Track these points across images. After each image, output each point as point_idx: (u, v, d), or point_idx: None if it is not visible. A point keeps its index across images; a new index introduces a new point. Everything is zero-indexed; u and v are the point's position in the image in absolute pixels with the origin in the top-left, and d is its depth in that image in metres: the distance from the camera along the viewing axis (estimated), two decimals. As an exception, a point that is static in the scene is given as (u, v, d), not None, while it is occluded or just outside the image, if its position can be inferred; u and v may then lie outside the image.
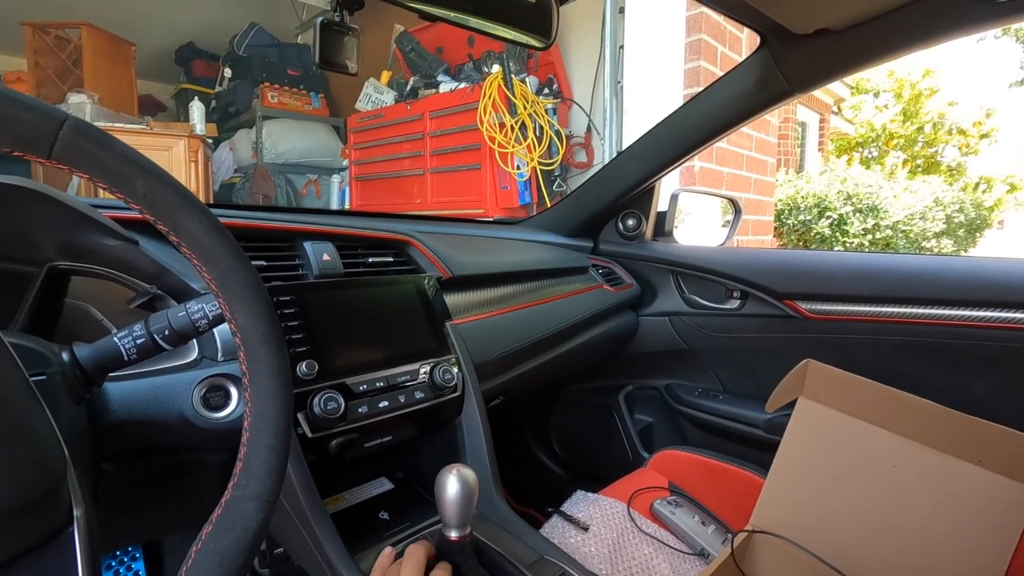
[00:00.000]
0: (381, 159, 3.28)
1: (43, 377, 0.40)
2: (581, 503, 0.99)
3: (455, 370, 0.75)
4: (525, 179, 2.57)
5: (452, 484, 0.58)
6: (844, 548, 0.81)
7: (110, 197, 0.37)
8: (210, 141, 3.49)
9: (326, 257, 0.74)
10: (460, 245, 0.99)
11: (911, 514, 0.80)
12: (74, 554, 0.32)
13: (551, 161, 2.62)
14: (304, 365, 0.61)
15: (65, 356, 0.44)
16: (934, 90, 10.12)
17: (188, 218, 0.38)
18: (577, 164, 2.78)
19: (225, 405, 0.57)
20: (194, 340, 0.60)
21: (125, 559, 0.89)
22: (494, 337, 0.89)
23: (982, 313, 0.95)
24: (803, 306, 1.12)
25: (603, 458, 1.43)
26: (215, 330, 0.60)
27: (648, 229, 1.37)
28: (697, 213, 1.73)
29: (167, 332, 0.45)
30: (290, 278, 0.70)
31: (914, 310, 1.01)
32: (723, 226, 1.99)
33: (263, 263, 0.69)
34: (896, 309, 1.02)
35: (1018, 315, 0.92)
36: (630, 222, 1.36)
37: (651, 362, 1.37)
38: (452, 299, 0.88)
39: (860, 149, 9.94)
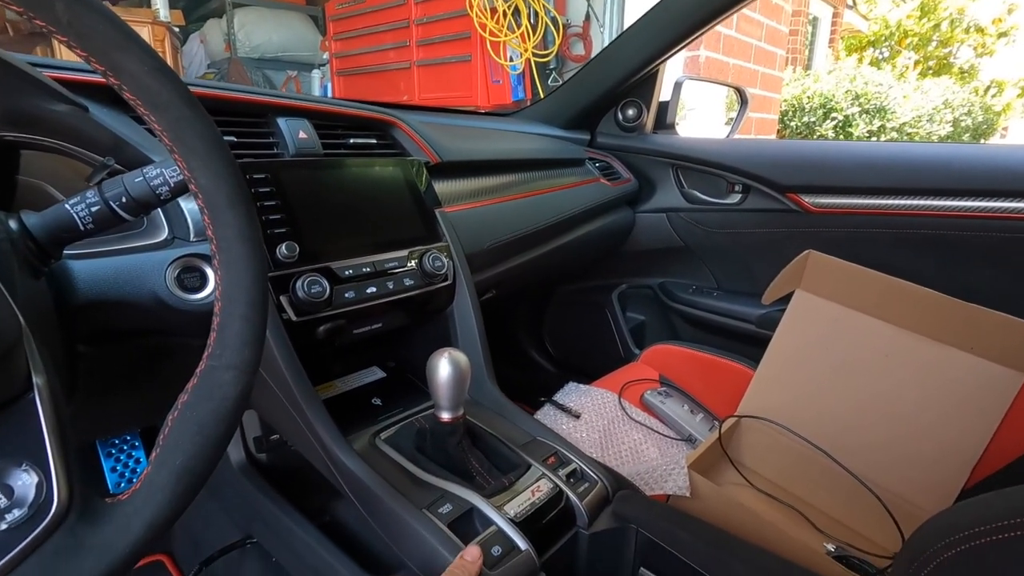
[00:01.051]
0: (364, 51, 3.05)
1: None
2: (572, 393, 1.00)
3: (445, 258, 0.72)
4: (518, 72, 2.41)
5: (444, 366, 0.57)
6: (830, 434, 0.83)
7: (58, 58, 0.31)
8: (177, 31, 3.21)
9: (302, 135, 0.68)
10: (449, 131, 0.93)
11: (899, 402, 0.81)
12: (37, 419, 0.30)
13: (546, 52, 2.45)
14: (284, 247, 0.58)
15: (13, 224, 0.39)
16: (957, -19, 9.45)
17: (126, 56, 0.32)
18: (574, 57, 2.60)
19: (202, 287, 0.54)
20: (163, 219, 0.56)
21: (125, 447, 0.91)
22: (486, 227, 0.85)
23: (988, 203, 0.92)
24: (806, 199, 1.08)
25: (594, 355, 1.45)
26: (185, 209, 0.56)
27: (649, 120, 1.30)
28: (699, 109, 1.64)
29: (124, 199, 0.41)
30: (264, 156, 0.65)
31: (919, 201, 0.97)
32: (726, 123, 1.89)
33: (233, 139, 0.63)
34: (901, 201, 0.99)
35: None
36: (630, 112, 1.28)
37: (646, 260, 1.35)
38: (441, 187, 0.83)
39: (871, 48, 9.43)
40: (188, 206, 0.56)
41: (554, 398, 0.98)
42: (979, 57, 9.86)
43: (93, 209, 0.41)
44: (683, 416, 0.98)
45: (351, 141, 0.75)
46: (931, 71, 9.24)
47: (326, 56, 3.52)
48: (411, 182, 0.74)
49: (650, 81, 1.25)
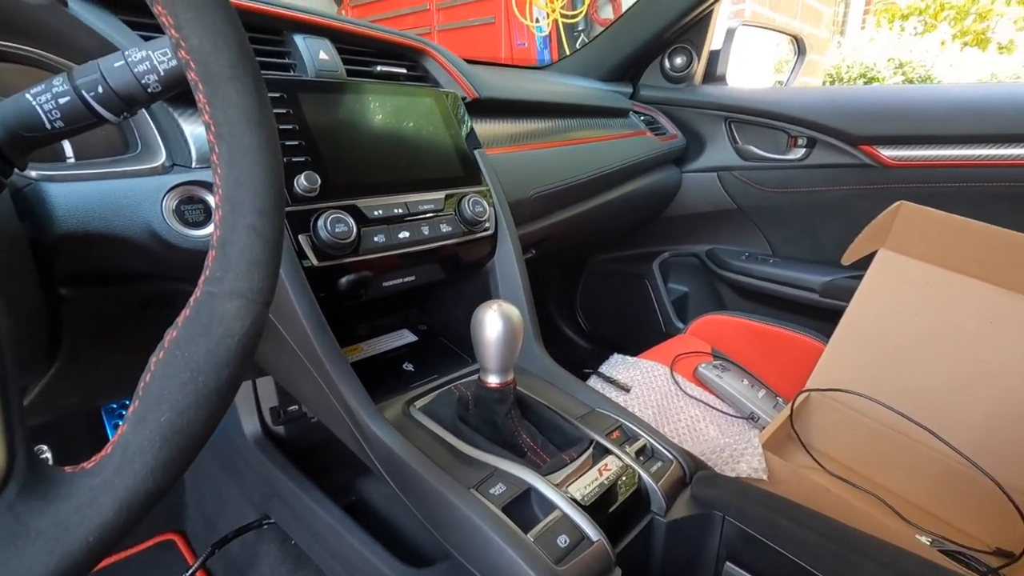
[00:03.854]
0: (383, 16, 2.93)
1: None
2: (619, 366, 0.91)
3: (487, 204, 0.63)
4: (545, 34, 2.28)
5: (493, 321, 0.47)
6: (920, 413, 0.72)
7: None
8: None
9: (323, 56, 0.58)
10: (486, 69, 0.83)
11: (1007, 375, 0.70)
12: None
13: (574, 13, 2.31)
14: (304, 178, 0.48)
15: (-42, 118, 0.31)
16: (999, -49, 8.98)
17: None
18: (602, 21, 2.46)
19: (206, 222, 0.45)
20: (159, 141, 0.47)
21: (132, 418, 0.83)
22: (530, 174, 0.75)
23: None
24: (883, 152, 0.96)
25: (632, 330, 1.35)
26: (188, 132, 0.47)
27: (699, 70, 1.18)
28: (746, 62, 1.50)
29: (100, 89, 0.32)
30: (278, 75, 0.55)
31: (1017, 151, 0.85)
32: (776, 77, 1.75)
33: (243, 55, 0.54)
34: (997, 150, 0.87)
35: None
36: (678, 60, 1.16)
37: (692, 225, 1.24)
38: (479, 127, 0.73)
39: (904, 20, 9.03)
40: (191, 129, 0.47)
41: (600, 370, 0.89)
42: (1019, 31, 9.39)
43: (61, 101, 0.31)
44: (743, 392, 0.88)
45: (378, 69, 0.65)
46: (967, 45, 8.83)
47: (343, 26, 3.41)
48: (447, 116, 0.65)
49: (701, 25, 1.13)
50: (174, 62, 0.32)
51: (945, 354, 0.74)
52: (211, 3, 0.26)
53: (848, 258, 0.81)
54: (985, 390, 0.71)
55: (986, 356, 0.71)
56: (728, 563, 0.47)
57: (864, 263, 0.84)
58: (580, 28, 2.36)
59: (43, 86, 0.32)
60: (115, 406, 0.79)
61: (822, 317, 1.01)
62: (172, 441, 0.24)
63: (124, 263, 0.44)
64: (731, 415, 0.85)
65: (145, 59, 0.32)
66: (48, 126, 0.32)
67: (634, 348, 0.99)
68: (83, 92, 0.31)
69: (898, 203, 0.75)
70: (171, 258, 0.44)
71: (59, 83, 0.32)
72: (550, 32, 2.29)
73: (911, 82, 3.65)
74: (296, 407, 0.76)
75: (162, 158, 0.46)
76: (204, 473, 0.89)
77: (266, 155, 0.27)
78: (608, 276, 1.40)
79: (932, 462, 0.74)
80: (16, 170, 0.33)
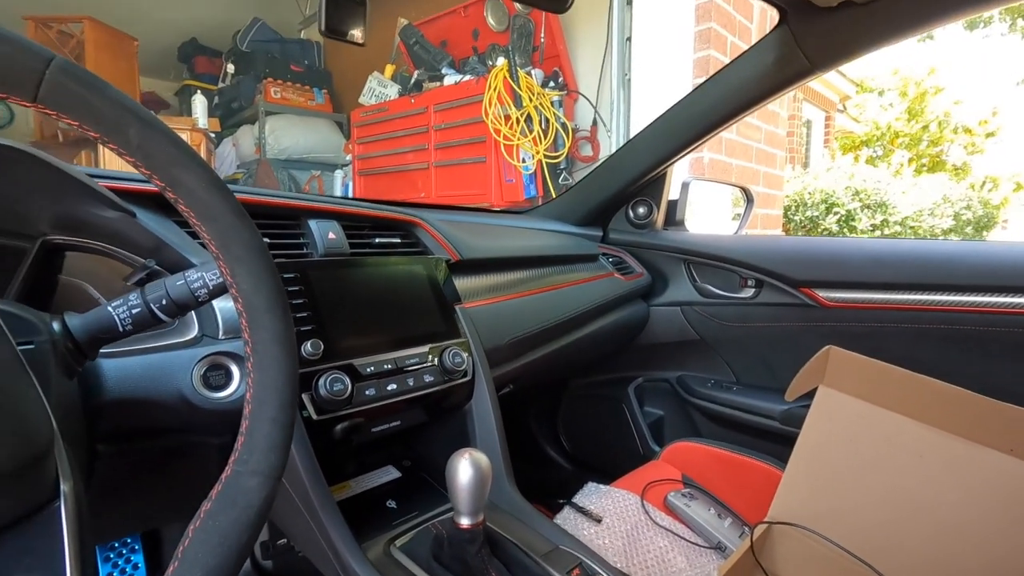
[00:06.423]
0: (384, 153, 3.25)
1: (31, 346, 0.38)
2: (593, 495, 0.96)
3: (465, 354, 0.73)
4: (530, 172, 2.54)
5: (465, 469, 0.55)
6: (866, 539, 0.78)
7: (104, 167, 0.34)
8: (213, 136, 3.47)
9: (332, 236, 0.71)
10: (468, 229, 0.97)
11: (937, 504, 0.77)
12: (60, 529, 0.30)
13: (557, 154, 2.59)
14: (309, 344, 0.58)
15: (56, 326, 0.41)
16: (939, 88, 10.06)
17: (185, 172, 0.35)
18: (583, 158, 2.75)
19: (226, 385, 0.54)
20: (194, 317, 0.57)
21: (124, 551, 0.86)
22: (505, 322, 0.86)
23: (1006, 299, 0.92)
24: (821, 294, 1.09)
25: (612, 452, 1.40)
26: (216, 307, 0.58)
27: (659, 218, 1.34)
28: (704, 205, 1.70)
29: (164, 302, 0.42)
30: (294, 256, 0.67)
31: (936, 297, 0.98)
32: (733, 219, 1.95)
33: (267, 240, 0.66)
34: (917, 296, 0.99)
35: (1046, 301, 0.89)
36: (640, 210, 1.33)
37: (662, 353, 1.34)
38: (461, 283, 0.85)
39: (865, 148, 9.88)
40: (219, 304, 0.58)
41: (574, 500, 0.94)
42: (970, 155, 10.27)
43: (134, 311, 0.42)
44: (710, 521, 0.92)
45: (377, 240, 0.78)
46: (925, 168, 9.59)
47: (348, 157, 3.75)
48: (432, 279, 0.76)
49: (659, 182, 1.31)
50: (220, 279, 0.43)
51: (882, 485, 0.81)
52: (257, 259, 0.37)
53: (790, 395, 0.90)
54: (918, 522, 0.77)
55: (917, 488, 0.78)
56: None
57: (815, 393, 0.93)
58: (563, 166, 2.64)
59: (121, 300, 0.42)
60: (116, 543, 0.83)
61: (783, 443, 1.08)
62: (201, 595, 0.31)
63: (155, 422, 0.53)
64: (699, 545, 0.89)
65: (199, 279, 0.43)
66: (120, 329, 0.42)
67: (613, 469, 1.05)
68: (151, 304, 0.42)
69: (827, 348, 0.86)
70: (193, 417, 0.53)
71: (134, 298, 0.42)
72: (535, 170, 2.56)
73: (867, 207, 3.99)
74: (284, 541, 0.80)
75: (195, 332, 0.56)
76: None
77: (288, 366, 0.37)
78: (587, 399, 1.47)
79: (888, 593, 0.77)
80: (87, 360, 0.43)
